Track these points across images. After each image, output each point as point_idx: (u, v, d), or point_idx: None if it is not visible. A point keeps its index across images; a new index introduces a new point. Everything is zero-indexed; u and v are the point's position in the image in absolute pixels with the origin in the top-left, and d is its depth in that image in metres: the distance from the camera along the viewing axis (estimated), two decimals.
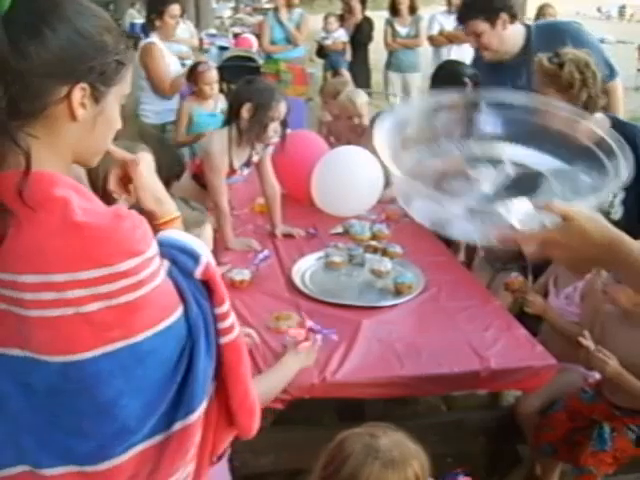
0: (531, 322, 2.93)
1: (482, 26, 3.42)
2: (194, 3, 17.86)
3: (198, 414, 1.21)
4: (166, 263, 1.21)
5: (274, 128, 3.26)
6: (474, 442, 2.69)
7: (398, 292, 2.77)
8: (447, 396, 2.89)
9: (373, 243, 3.17)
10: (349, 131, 4.45)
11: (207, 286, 1.23)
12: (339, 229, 3.45)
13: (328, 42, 7.72)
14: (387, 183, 3.76)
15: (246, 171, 3.51)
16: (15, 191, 1.06)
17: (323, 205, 3.61)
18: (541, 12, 7.24)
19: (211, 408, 1.26)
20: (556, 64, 2.78)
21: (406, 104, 1.79)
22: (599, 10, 24.71)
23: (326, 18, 7.83)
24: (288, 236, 3.41)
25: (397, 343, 2.42)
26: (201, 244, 1.28)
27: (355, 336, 2.45)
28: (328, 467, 1.51)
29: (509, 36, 3.47)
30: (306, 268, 2.99)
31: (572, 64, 2.76)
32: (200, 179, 3.41)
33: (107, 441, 1.17)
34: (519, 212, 1.27)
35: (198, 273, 1.22)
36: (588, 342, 2.38)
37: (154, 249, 1.15)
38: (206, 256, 1.24)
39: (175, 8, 4.94)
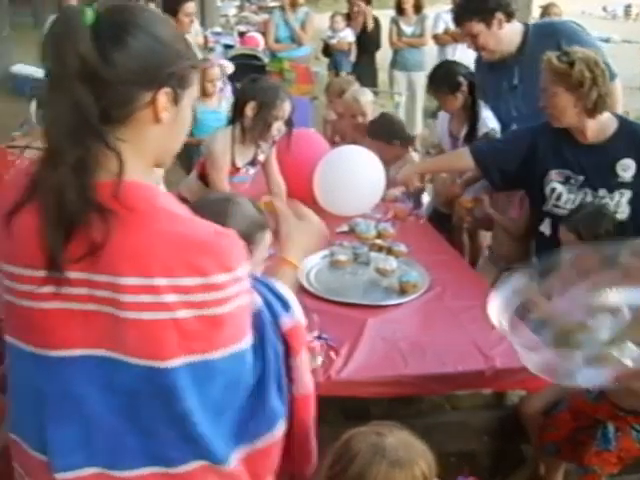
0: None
1: (477, 27, 3.39)
2: (199, 1, 17.89)
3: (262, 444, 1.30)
4: (258, 299, 1.32)
5: (278, 127, 3.27)
6: (478, 442, 2.69)
7: (403, 291, 2.77)
8: (451, 396, 2.89)
9: (378, 242, 3.18)
10: (353, 130, 4.46)
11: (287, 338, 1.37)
12: (344, 228, 3.45)
13: (334, 41, 7.72)
14: (389, 182, 3.78)
15: (252, 170, 3.51)
16: (124, 198, 1.12)
17: (326, 204, 3.61)
18: (546, 11, 7.24)
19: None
20: (566, 63, 2.77)
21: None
22: (605, 9, 24.65)
23: (333, 17, 7.82)
24: None
25: (402, 342, 2.43)
26: (296, 303, 1.43)
27: (360, 335, 2.46)
28: (335, 466, 1.51)
29: (506, 35, 3.44)
30: (311, 266, 2.98)
31: (582, 63, 2.75)
32: (206, 179, 3.42)
33: (180, 447, 1.21)
34: (632, 352, 1.47)
35: (285, 325, 1.37)
36: None
37: (245, 270, 1.22)
38: (298, 317, 1.40)
39: (190, 6, 5.00)
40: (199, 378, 1.18)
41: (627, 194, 2.84)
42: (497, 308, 1.76)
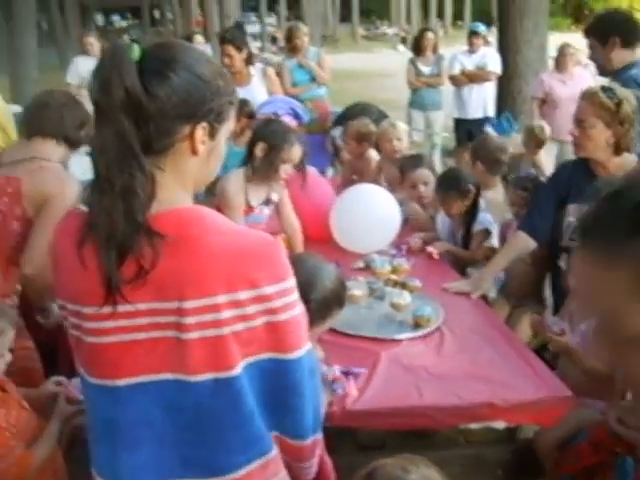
0: (549, 356, 2.96)
1: None
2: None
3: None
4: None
5: (285, 169, 3.33)
6: (492, 476, 2.69)
7: (417, 325, 2.81)
8: (465, 430, 2.90)
9: (393, 277, 3.22)
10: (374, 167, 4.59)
11: None
12: (360, 264, 3.51)
13: None
14: (405, 220, 3.87)
15: (267, 210, 3.57)
16: (174, 226, 1.19)
17: (342, 242, 3.69)
18: (562, 52, 7.30)
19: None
20: (613, 99, 2.85)
21: None
22: None
23: None
24: None
25: (415, 374, 2.46)
26: None
27: (375, 367, 2.49)
28: None
29: None
30: None
31: (628, 103, 2.84)
32: None
33: (245, 449, 1.30)
34: None
35: None
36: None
37: (292, 281, 1.29)
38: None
39: None
40: (260, 379, 1.27)
41: None
42: None
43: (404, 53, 25.35)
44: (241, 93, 5.29)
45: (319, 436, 1.43)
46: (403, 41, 35.24)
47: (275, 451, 1.36)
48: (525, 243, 3.26)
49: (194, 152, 1.27)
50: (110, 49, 1.20)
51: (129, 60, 1.18)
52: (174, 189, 1.26)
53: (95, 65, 1.21)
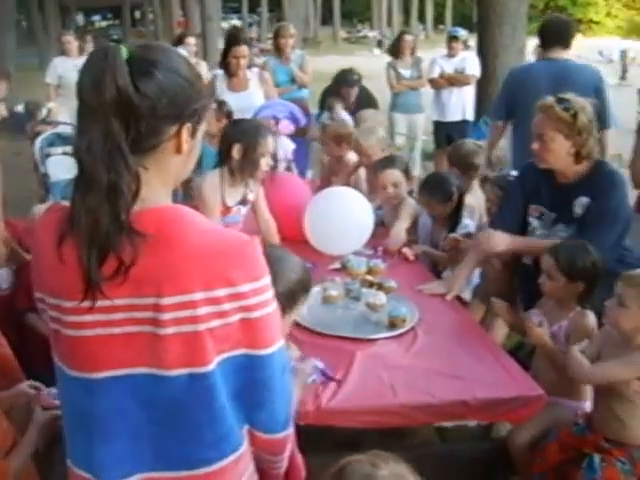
0: (523, 357, 3.01)
1: None
2: (202, 44, 18.20)
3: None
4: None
5: (266, 162, 3.39)
6: (467, 474, 2.73)
7: (392, 325, 2.84)
8: (440, 428, 2.94)
9: (369, 278, 3.23)
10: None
11: None
12: (337, 265, 3.52)
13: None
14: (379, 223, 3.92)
15: (244, 210, 3.61)
16: (154, 224, 1.22)
17: (317, 245, 3.71)
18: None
19: None
20: (569, 111, 2.90)
21: None
22: (601, 54, 25.03)
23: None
24: None
25: (390, 373, 2.49)
26: None
27: (350, 366, 2.52)
28: None
29: None
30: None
31: (583, 113, 2.89)
32: None
33: (217, 444, 1.33)
34: None
35: None
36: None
37: (267, 279, 1.32)
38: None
39: (242, 49, 5.41)
40: (233, 374, 1.30)
41: (573, 229, 3.01)
42: None
43: (380, 56, 25.48)
44: (239, 98, 5.37)
45: (291, 431, 1.45)
46: (379, 44, 35.40)
47: (245, 446, 1.38)
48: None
49: (178, 151, 1.30)
50: (101, 50, 1.21)
51: (121, 61, 1.19)
52: (156, 187, 1.28)
53: (83, 65, 1.22)
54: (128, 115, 1.19)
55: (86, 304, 1.23)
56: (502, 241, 3.13)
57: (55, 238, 1.24)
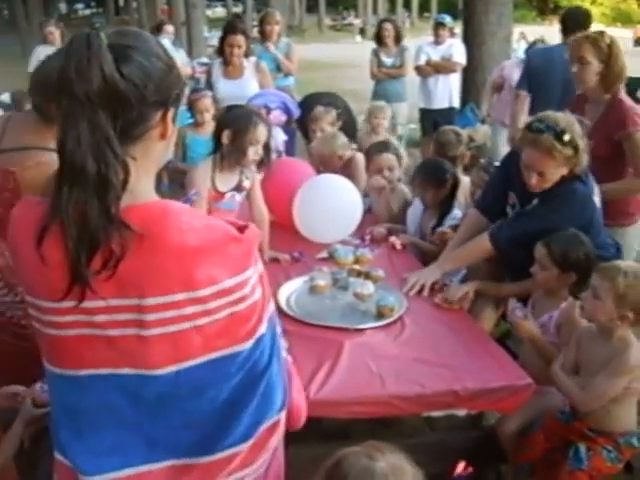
0: (511, 345, 3.01)
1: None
2: (186, 32, 18.11)
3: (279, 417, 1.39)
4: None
5: (254, 151, 3.36)
6: (456, 463, 2.73)
7: (380, 314, 2.83)
8: (430, 418, 2.93)
9: (356, 267, 3.23)
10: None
11: None
12: (324, 254, 3.52)
13: None
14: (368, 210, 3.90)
15: (238, 196, 3.58)
16: (140, 221, 1.18)
17: (305, 232, 3.70)
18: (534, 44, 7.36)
19: None
20: (572, 146, 2.83)
21: None
22: (536, 42, 25.13)
23: None
24: (275, 260, 3.48)
25: (378, 363, 2.48)
26: None
27: (338, 357, 2.51)
28: None
29: None
30: (292, 291, 3.05)
31: (581, 140, 2.85)
32: None
33: (211, 434, 1.31)
34: None
35: None
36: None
37: (257, 268, 1.31)
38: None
39: (238, 39, 5.48)
40: (222, 371, 1.27)
41: None
42: None
43: (362, 43, 25.37)
44: (233, 85, 5.35)
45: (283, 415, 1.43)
46: (361, 32, 35.33)
47: (242, 450, 1.34)
48: (477, 220, 3.35)
49: (163, 137, 1.28)
50: (81, 37, 1.16)
51: (104, 48, 1.15)
52: (142, 178, 1.26)
53: (64, 55, 1.17)
54: (116, 103, 1.16)
55: (67, 304, 1.20)
56: (432, 271, 3.23)
57: (34, 236, 1.20)
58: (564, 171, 2.90)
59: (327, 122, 5.16)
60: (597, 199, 3.10)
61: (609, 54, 3.52)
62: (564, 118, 2.88)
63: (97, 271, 1.16)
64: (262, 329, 1.31)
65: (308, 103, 6.37)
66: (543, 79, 5.08)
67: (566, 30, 5.15)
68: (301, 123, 6.09)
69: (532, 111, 4.98)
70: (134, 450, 1.30)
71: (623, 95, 3.58)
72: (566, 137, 2.82)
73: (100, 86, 1.13)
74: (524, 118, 4.86)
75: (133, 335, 1.22)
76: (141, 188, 1.25)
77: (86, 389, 1.28)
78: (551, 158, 2.85)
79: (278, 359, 1.39)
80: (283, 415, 1.41)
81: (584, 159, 2.89)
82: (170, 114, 1.28)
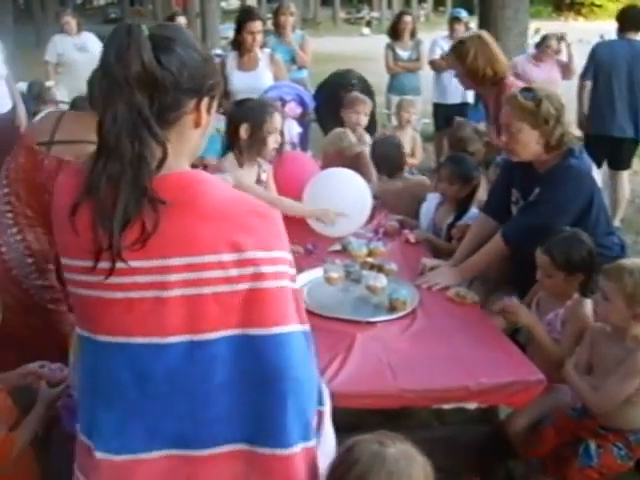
0: (522, 342, 3.00)
1: None
2: (200, 23, 18.11)
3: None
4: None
5: (274, 139, 3.37)
6: (466, 457, 2.73)
7: (392, 308, 2.83)
8: (440, 412, 2.93)
9: (369, 260, 3.23)
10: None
11: None
12: (337, 247, 3.52)
13: None
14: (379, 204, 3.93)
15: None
16: (171, 189, 1.24)
17: (316, 226, 3.71)
18: (544, 43, 7.29)
19: None
20: (532, 100, 2.88)
21: None
22: (602, 37, 24.94)
23: None
24: None
25: (390, 356, 2.48)
26: None
27: (350, 349, 2.51)
28: (336, 470, 1.53)
29: None
30: (304, 283, 3.05)
31: (548, 100, 2.87)
32: None
33: (212, 428, 1.31)
34: None
35: None
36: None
37: (284, 254, 1.33)
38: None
39: (257, 25, 5.40)
40: (238, 351, 1.28)
41: None
42: None
43: (369, 36, 25.18)
44: (248, 77, 5.31)
45: (303, 449, 1.38)
46: (368, 24, 35.17)
47: (248, 447, 1.34)
48: (486, 224, 3.34)
49: (197, 125, 1.34)
50: (123, 26, 1.25)
51: (144, 36, 1.24)
52: (177, 159, 1.31)
53: (107, 40, 1.26)
54: (152, 88, 1.23)
55: (89, 263, 1.25)
56: (452, 276, 3.17)
57: (69, 206, 1.26)
58: (535, 136, 2.91)
59: (363, 112, 5.13)
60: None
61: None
62: (548, 90, 2.97)
63: (131, 243, 1.21)
64: (290, 326, 1.32)
65: (329, 86, 6.40)
66: (607, 70, 5.81)
67: (623, 28, 5.91)
68: (318, 113, 6.09)
69: (594, 98, 5.90)
70: (133, 436, 1.32)
71: None
72: (529, 93, 2.92)
73: (138, 70, 1.21)
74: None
75: (152, 298, 1.25)
76: (176, 165, 1.30)
77: (101, 356, 1.32)
78: (512, 108, 2.94)
79: (310, 379, 1.39)
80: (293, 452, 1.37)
81: (559, 131, 2.90)
82: (204, 103, 1.33)
